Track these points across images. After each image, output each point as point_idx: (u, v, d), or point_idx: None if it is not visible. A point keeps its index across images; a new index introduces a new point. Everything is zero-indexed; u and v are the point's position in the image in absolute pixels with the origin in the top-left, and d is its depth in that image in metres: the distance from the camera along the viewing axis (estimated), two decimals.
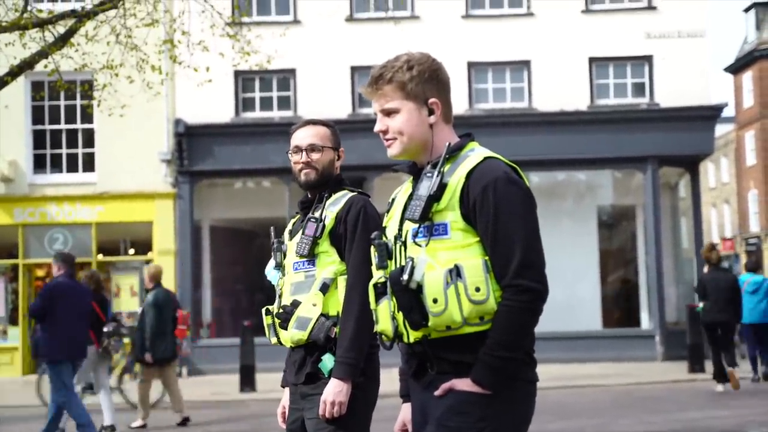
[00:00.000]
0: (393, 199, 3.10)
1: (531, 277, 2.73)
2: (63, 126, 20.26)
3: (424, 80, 2.91)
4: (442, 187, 2.80)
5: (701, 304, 13.68)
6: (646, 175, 20.02)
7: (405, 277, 2.75)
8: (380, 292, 2.89)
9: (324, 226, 3.80)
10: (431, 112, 2.92)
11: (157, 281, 11.80)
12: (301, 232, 3.85)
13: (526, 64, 20.32)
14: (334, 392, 3.63)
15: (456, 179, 2.82)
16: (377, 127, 2.98)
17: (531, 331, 2.78)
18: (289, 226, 4.07)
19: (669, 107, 19.91)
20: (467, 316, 2.72)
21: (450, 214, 2.79)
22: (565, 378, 16.30)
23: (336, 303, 3.74)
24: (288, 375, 3.91)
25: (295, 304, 3.77)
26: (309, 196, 4.00)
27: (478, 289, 2.72)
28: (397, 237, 2.90)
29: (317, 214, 3.84)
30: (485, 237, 2.77)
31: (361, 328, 3.65)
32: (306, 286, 3.78)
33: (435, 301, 2.72)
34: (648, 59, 20.31)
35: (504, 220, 2.75)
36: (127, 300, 20.27)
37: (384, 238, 2.95)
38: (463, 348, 2.77)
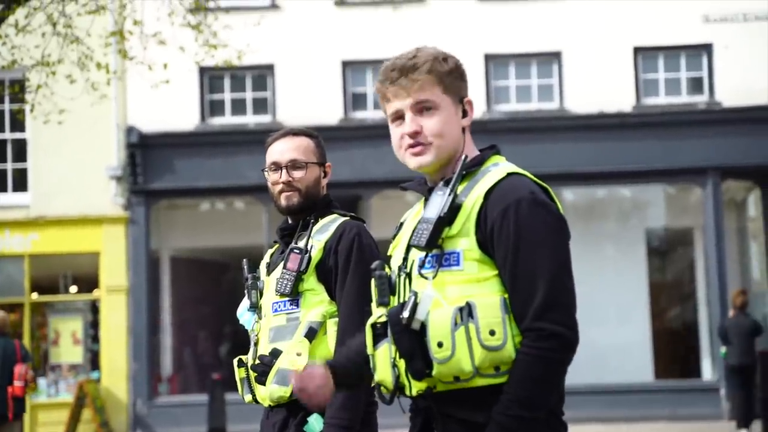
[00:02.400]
0: (402, 223, 3.12)
1: (556, 320, 2.73)
2: None
3: (459, 75, 2.97)
4: (454, 208, 2.81)
5: (724, 349, 16.62)
6: (705, 191, 20.01)
7: (405, 314, 2.76)
8: (379, 333, 2.90)
9: (310, 258, 3.81)
10: (465, 114, 2.97)
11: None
12: (281, 265, 3.85)
13: (557, 56, 20.36)
14: None
15: (473, 200, 2.83)
16: (409, 128, 2.93)
17: (556, 385, 2.77)
18: (267, 258, 4.08)
19: (733, 107, 19.93)
20: (479, 365, 2.72)
21: (463, 241, 2.80)
22: None
23: (325, 351, 3.74)
24: None
25: (275, 354, 3.77)
26: (290, 221, 4.01)
27: (493, 333, 2.72)
28: (401, 268, 2.92)
29: (301, 244, 3.84)
30: (503, 270, 2.78)
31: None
32: (288, 332, 3.78)
33: (440, 345, 2.73)
34: (707, 48, 20.34)
35: (526, 250, 2.75)
36: (69, 349, 20.21)
37: (387, 270, 2.96)
38: (474, 404, 2.78)
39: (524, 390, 2.70)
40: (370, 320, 2.94)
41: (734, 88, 20.03)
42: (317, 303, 3.79)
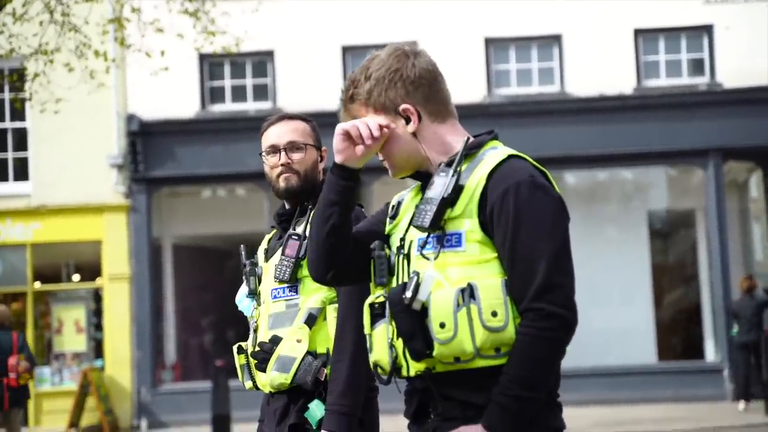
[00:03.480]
0: (399, 203, 3.12)
1: (554, 301, 2.74)
2: None
3: (386, 87, 2.96)
4: (458, 189, 2.82)
5: (735, 328, 17.54)
6: (707, 172, 19.98)
7: (408, 295, 2.77)
8: (377, 313, 2.92)
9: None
10: (408, 120, 2.95)
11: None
12: (280, 252, 3.84)
13: (557, 39, 20.31)
14: None
15: (476, 180, 2.84)
16: None
17: (555, 365, 2.78)
18: (264, 244, 4.09)
19: (734, 88, 19.89)
20: (480, 346, 2.73)
21: (466, 222, 2.82)
22: (612, 423, 16.26)
23: (325, 338, 3.74)
24: (266, 426, 3.90)
25: (275, 341, 3.77)
26: (288, 207, 4.00)
27: (495, 314, 2.73)
28: (400, 248, 2.92)
29: (300, 230, 3.83)
30: (503, 252, 2.79)
31: (357, 369, 3.65)
32: (287, 318, 3.78)
33: (442, 325, 2.74)
34: (707, 30, 20.29)
35: (525, 232, 2.77)
36: (72, 337, 20.22)
37: (385, 250, 2.96)
38: (474, 386, 2.79)
39: (524, 370, 2.71)
40: (368, 300, 2.95)
41: (735, 69, 19.99)
42: (316, 289, 3.77)
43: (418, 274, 2.80)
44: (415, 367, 2.83)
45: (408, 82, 2.96)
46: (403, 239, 2.94)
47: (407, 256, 2.90)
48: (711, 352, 20.22)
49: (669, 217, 21.68)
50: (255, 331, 3.90)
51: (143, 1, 15.40)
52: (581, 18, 20.14)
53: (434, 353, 2.77)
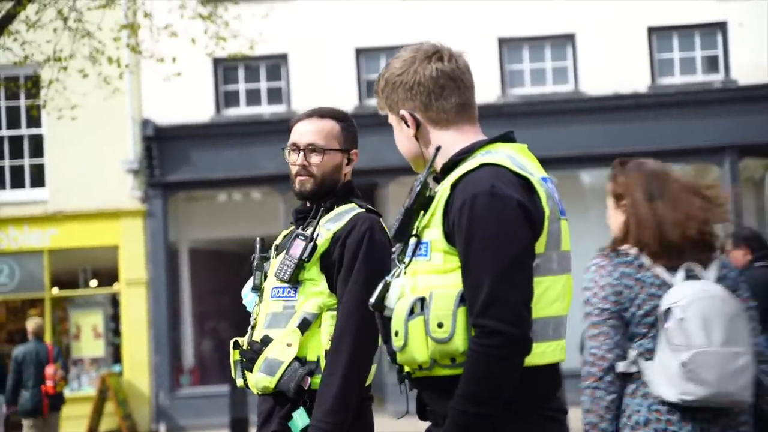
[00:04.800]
0: None
1: (498, 317, 2.70)
2: (4, 132, 20.31)
3: (390, 90, 3.00)
4: (424, 199, 2.85)
5: None
6: (723, 170, 19.91)
7: (371, 301, 2.85)
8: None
9: (315, 246, 3.70)
10: (408, 125, 2.99)
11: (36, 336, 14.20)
12: (285, 251, 3.77)
13: (570, 38, 20.27)
14: None
15: (441, 191, 2.86)
16: None
17: (505, 381, 2.72)
18: (279, 239, 4.00)
19: (749, 84, 19.82)
20: (433, 356, 2.76)
21: (432, 231, 2.84)
22: None
23: (316, 345, 3.66)
24: (258, 427, 3.89)
25: (266, 341, 3.68)
26: (308, 204, 3.92)
27: (441, 325, 2.73)
28: (399, 254, 2.98)
29: (309, 231, 3.75)
30: (461, 264, 2.79)
31: (349, 385, 3.58)
32: (282, 320, 3.70)
33: (396, 334, 2.80)
34: (721, 27, 20.22)
35: (476, 245, 2.75)
36: (90, 343, 20.26)
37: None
38: (439, 393, 2.83)
39: (469, 386, 2.72)
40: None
41: (750, 65, 19.92)
42: (315, 294, 3.70)
43: (388, 282, 2.85)
44: (406, 368, 2.89)
45: (406, 88, 2.98)
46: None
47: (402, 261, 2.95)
48: None
49: None
50: (253, 328, 3.82)
51: (156, 6, 15.43)
52: (594, 17, 20.10)
53: (398, 360, 2.83)
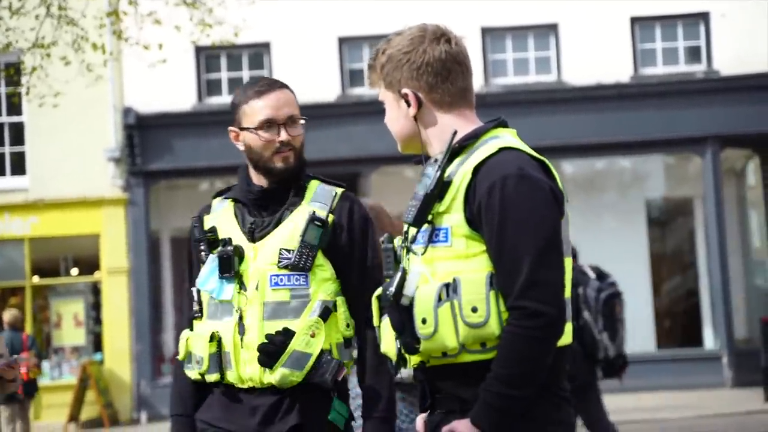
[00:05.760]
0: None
1: (539, 298, 2.72)
2: None
3: (394, 67, 2.96)
4: (444, 184, 2.83)
5: None
6: (705, 160, 19.99)
7: (390, 290, 2.81)
8: (384, 305, 2.93)
9: (328, 232, 3.55)
10: (409, 104, 2.96)
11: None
12: (296, 235, 3.53)
13: (553, 28, 20.30)
14: None
15: (461, 175, 2.84)
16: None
17: (542, 363, 2.76)
18: (233, 222, 3.67)
19: (731, 75, 19.89)
20: (464, 342, 2.75)
21: (452, 217, 2.82)
22: (611, 411, 16.20)
23: (332, 334, 3.53)
24: (229, 424, 3.59)
25: (288, 334, 3.47)
26: (265, 186, 3.68)
27: (475, 310, 2.74)
28: (404, 241, 2.95)
29: (321, 215, 3.55)
30: (490, 247, 2.78)
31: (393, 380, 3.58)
32: (293, 310, 3.51)
33: (424, 321, 2.77)
34: (704, 17, 20.28)
35: (511, 227, 2.75)
36: (71, 331, 20.23)
37: (393, 243, 3.00)
38: (463, 380, 2.82)
39: (507, 368, 2.71)
40: (376, 292, 2.97)
41: (732, 56, 19.98)
42: (326, 279, 3.55)
43: (404, 269, 2.83)
44: (412, 360, 2.87)
45: (414, 67, 2.95)
46: (407, 232, 2.95)
47: (409, 250, 2.92)
48: (710, 340, 20.24)
49: (667, 206, 21.68)
50: (241, 319, 3.52)
51: None
52: (577, 7, 20.12)
53: (421, 348, 2.80)
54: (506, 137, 2.93)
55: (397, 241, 3.00)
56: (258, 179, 3.70)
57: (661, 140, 19.97)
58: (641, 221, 20.66)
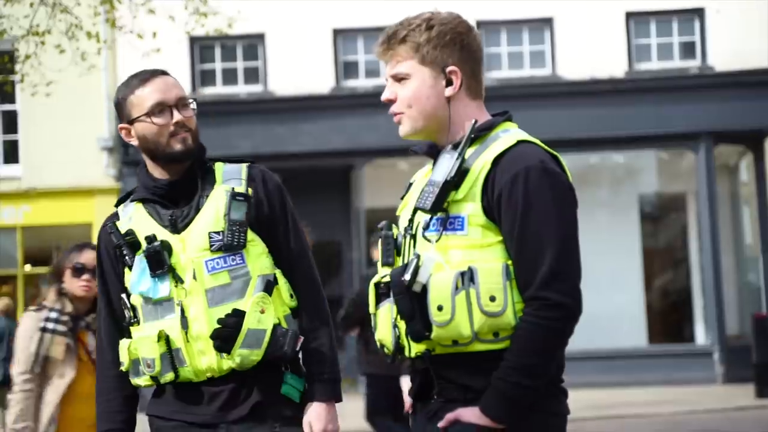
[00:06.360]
0: (411, 184, 3.12)
1: (561, 290, 2.74)
2: None
3: (444, 43, 2.93)
4: (462, 172, 2.82)
5: None
6: (698, 156, 20.00)
7: (407, 277, 2.79)
8: (382, 293, 2.93)
9: (252, 206, 3.48)
10: (449, 83, 2.94)
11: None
12: (221, 216, 3.44)
13: (548, 22, 20.29)
14: (327, 418, 3.47)
15: (480, 165, 2.84)
16: (385, 95, 2.99)
17: (556, 355, 2.79)
18: (150, 220, 3.55)
19: (725, 71, 19.90)
20: (478, 330, 2.75)
21: (469, 206, 2.82)
22: (603, 406, 16.29)
23: (278, 307, 3.48)
24: (187, 415, 3.51)
25: (239, 315, 3.37)
26: (165, 177, 3.56)
27: (493, 299, 2.74)
28: (407, 229, 2.93)
29: (241, 190, 3.47)
30: (510, 237, 2.79)
31: (334, 334, 3.59)
32: (237, 290, 3.43)
33: (440, 308, 2.76)
34: (699, 13, 20.29)
35: (534, 218, 2.76)
36: None
37: (394, 230, 2.98)
38: (472, 369, 2.81)
39: (525, 358, 2.72)
40: (374, 279, 2.97)
41: (726, 52, 19.99)
42: (260, 254, 3.48)
43: (419, 256, 2.81)
44: (415, 348, 2.85)
45: (467, 49, 2.96)
46: (411, 220, 2.94)
47: (414, 237, 2.91)
48: (701, 336, 20.27)
49: (660, 201, 21.69)
50: (183, 314, 3.42)
51: None
52: (572, 1, 20.11)
53: (432, 336, 2.79)
54: (518, 131, 2.95)
55: (397, 229, 2.98)
56: (160, 173, 3.58)
57: (654, 135, 19.98)
58: (634, 216, 20.67)
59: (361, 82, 20.12)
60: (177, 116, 3.53)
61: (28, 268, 20.23)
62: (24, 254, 20.10)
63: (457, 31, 2.95)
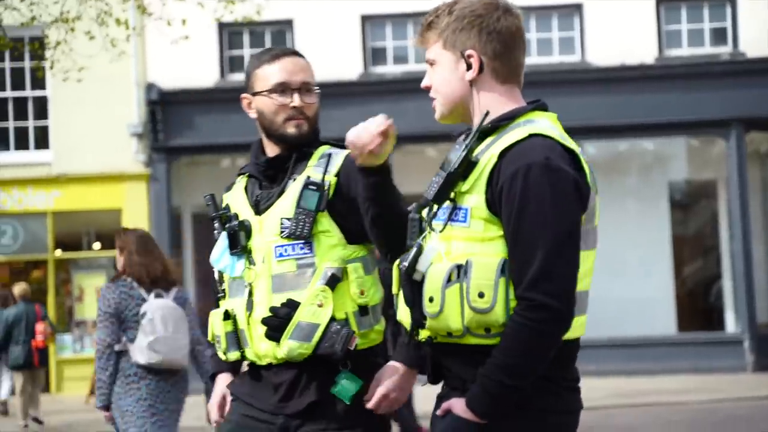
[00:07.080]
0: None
1: (548, 291, 2.69)
2: (9, 93, 20.31)
3: (462, 27, 2.91)
4: (470, 164, 2.81)
5: None
6: (729, 143, 19.89)
7: (404, 264, 2.82)
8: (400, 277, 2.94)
9: (327, 196, 3.43)
10: (469, 67, 2.91)
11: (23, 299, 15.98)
12: (284, 203, 3.45)
13: (578, 8, 20.21)
14: (397, 383, 3.34)
15: (488, 157, 2.81)
16: (423, 82, 3.02)
17: (545, 356, 2.74)
18: (240, 195, 3.64)
19: (757, 57, 19.77)
20: (468, 325, 2.74)
21: (473, 198, 2.80)
22: (631, 394, 16.26)
23: (346, 302, 3.40)
24: (255, 401, 3.53)
25: (292, 306, 3.36)
26: (275, 153, 3.60)
27: (481, 295, 2.72)
28: (428, 215, 2.93)
29: (316, 179, 3.44)
30: (507, 233, 2.76)
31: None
32: (300, 280, 3.40)
33: (431, 300, 2.77)
34: None
35: (529, 217, 2.72)
36: (92, 305, 20.28)
37: (421, 213, 2.98)
38: (467, 361, 2.81)
39: (509, 358, 2.70)
40: (396, 261, 2.95)
41: (758, 38, 19.86)
42: (333, 246, 3.41)
43: (421, 245, 2.83)
44: (422, 333, 2.87)
45: (485, 31, 2.91)
46: (430, 207, 2.94)
47: (429, 224, 2.91)
48: (731, 324, 20.19)
49: (690, 188, 21.59)
50: (250, 294, 3.45)
51: None
52: None
53: (426, 325, 2.81)
54: (541, 122, 2.89)
55: (425, 213, 2.98)
56: (272, 149, 3.61)
57: (684, 122, 19.89)
58: (664, 204, 20.59)
59: (390, 69, 20.11)
60: (297, 101, 3.52)
61: (58, 253, 20.35)
62: (54, 239, 20.22)
63: (476, 14, 2.92)
